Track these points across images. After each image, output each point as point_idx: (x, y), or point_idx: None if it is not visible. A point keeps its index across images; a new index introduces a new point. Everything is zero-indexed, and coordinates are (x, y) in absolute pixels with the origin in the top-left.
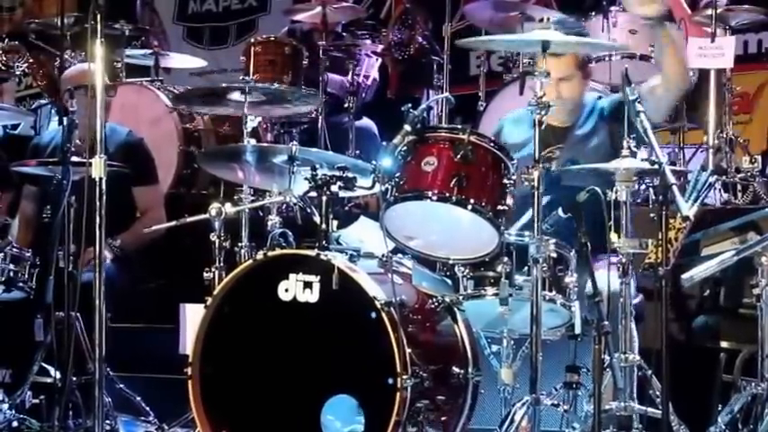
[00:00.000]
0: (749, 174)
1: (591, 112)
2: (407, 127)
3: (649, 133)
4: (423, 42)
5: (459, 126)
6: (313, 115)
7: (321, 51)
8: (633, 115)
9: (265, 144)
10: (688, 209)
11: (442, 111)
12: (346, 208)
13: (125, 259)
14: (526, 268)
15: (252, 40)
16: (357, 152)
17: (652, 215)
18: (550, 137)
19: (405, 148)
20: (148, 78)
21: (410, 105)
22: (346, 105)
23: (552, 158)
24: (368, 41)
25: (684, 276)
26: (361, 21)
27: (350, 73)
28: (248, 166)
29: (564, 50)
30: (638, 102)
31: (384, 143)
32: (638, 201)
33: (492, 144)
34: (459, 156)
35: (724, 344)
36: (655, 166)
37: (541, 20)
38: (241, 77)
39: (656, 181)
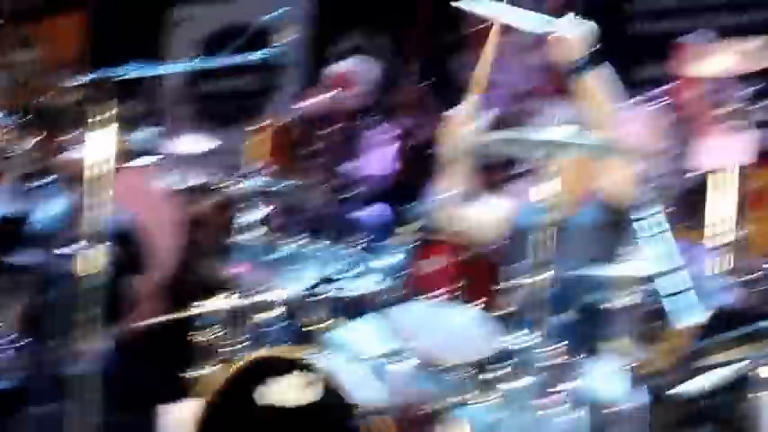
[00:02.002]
0: (762, 274)
1: (592, 206)
2: (414, 226)
3: (659, 236)
4: (435, 130)
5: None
6: (321, 202)
7: (331, 137)
8: (647, 216)
9: (266, 240)
10: (693, 319)
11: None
12: (350, 300)
13: (120, 351)
14: (527, 373)
15: (260, 124)
16: (364, 241)
17: (658, 322)
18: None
19: (410, 246)
20: (151, 160)
21: (416, 204)
22: (354, 193)
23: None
24: (379, 128)
25: (682, 389)
26: (373, 107)
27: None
28: (249, 260)
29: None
30: (654, 202)
31: (391, 237)
32: (643, 302)
33: (498, 247)
34: (464, 258)
35: None
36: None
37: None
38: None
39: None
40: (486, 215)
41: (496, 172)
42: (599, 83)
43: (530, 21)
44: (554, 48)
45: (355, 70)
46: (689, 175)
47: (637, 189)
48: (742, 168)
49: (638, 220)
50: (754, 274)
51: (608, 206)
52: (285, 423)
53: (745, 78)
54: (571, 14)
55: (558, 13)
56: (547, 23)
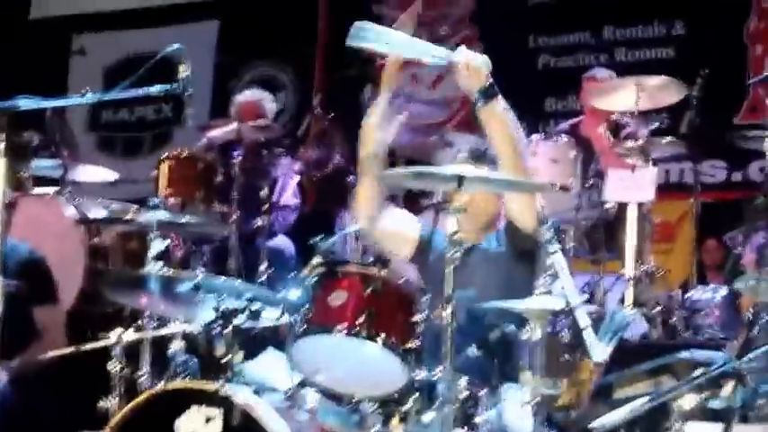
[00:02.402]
0: (668, 307)
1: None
2: (317, 259)
3: (564, 274)
4: (340, 162)
5: (371, 261)
6: (226, 233)
7: (237, 168)
8: (547, 254)
9: (170, 272)
10: (601, 353)
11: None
12: (253, 334)
13: (21, 382)
14: (435, 406)
15: (164, 155)
16: (269, 272)
17: (566, 356)
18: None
19: (314, 280)
20: (55, 190)
21: (320, 237)
22: (260, 224)
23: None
24: (285, 160)
25: (595, 424)
26: (278, 138)
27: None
28: (152, 293)
29: (482, 188)
30: (553, 240)
31: (296, 268)
32: (551, 336)
33: (404, 279)
34: (369, 290)
35: None
36: (567, 308)
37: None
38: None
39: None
40: (398, 227)
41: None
42: (502, 111)
43: (428, 52)
44: (457, 76)
45: (260, 101)
46: (599, 209)
47: (539, 221)
48: (645, 203)
49: (543, 252)
50: (661, 307)
51: (512, 236)
52: None
53: (646, 115)
54: (463, 46)
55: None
56: (445, 54)
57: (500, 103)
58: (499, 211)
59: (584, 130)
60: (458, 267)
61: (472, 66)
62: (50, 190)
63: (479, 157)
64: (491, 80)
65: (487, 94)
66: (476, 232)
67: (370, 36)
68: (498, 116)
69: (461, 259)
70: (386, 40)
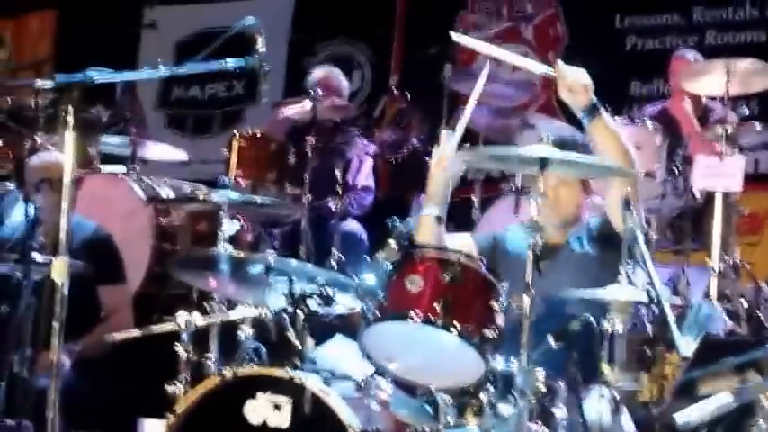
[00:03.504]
0: (755, 301)
1: (583, 231)
2: (393, 243)
3: (648, 262)
4: (417, 144)
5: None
6: (297, 215)
7: (311, 150)
8: (631, 242)
9: (240, 254)
10: (687, 347)
11: None
12: (324, 321)
13: (85, 364)
14: (512, 398)
15: (236, 134)
16: (341, 257)
17: (648, 351)
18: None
19: (389, 264)
20: (123, 169)
21: (396, 218)
22: (333, 208)
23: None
24: (360, 141)
25: (679, 419)
26: (353, 119)
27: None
28: (222, 274)
29: (564, 171)
30: (639, 228)
31: (369, 254)
32: (634, 329)
33: (482, 266)
34: (447, 277)
35: None
36: (652, 299)
37: (541, 139)
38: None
39: (653, 312)
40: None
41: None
42: (608, 126)
43: (531, 63)
44: (558, 90)
45: (336, 79)
46: (685, 197)
47: (630, 212)
48: (732, 193)
49: (628, 244)
50: (748, 301)
51: (601, 230)
52: None
53: (736, 100)
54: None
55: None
56: (545, 70)
57: (605, 119)
58: (582, 205)
59: (671, 115)
60: (542, 267)
61: (574, 87)
62: (118, 168)
63: (566, 145)
64: (593, 98)
65: (591, 112)
66: (559, 228)
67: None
68: (605, 132)
69: (546, 258)
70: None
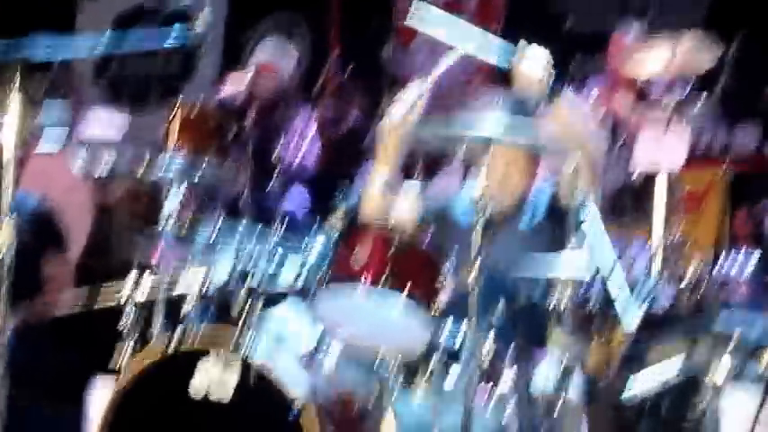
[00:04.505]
0: (696, 277)
1: (533, 204)
2: (340, 215)
3: (598, 238)
4: (357, 119)
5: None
6: (238, 188)
7: (251, 123)
8: (581, 216)
9: (186, 226)
10: (631, 321)
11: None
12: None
13: (26, 332)
14: (460, 364)
15: (175, 109)
16: (282, 228)
17: (595, 324)
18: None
19: (338, 234)
20: (62, 144)
21: (342, 191)
22: (273, 181)
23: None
24: (300, 116)
25: (626, 392)
26: (293, 94)
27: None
28: (166, 246)
29: (510, 144)
30: (584, 205)
31: (311, 226)
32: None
33: (429, 237)
34: (393, 248)
35: None
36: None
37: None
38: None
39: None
40: (406, 203)
41: (432, 162)
42: (566, 114)
43: (489, 50)
44: (520, 80)
45: (276, 55)
46: (627, 173)
47: (581, 186)
48: (674, 170)
49: (577, 218)
50: (689, 277)
51: (552, 203)
52: (216, 412)
53: (678, 77)
54: (525, 43)
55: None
56: (510, 53)
57: (563, 106)
58: (531, 179)
59: (613, 93)
60: (491, 239)
61: (532, 78)
62: (57, 142)
63: (519, 110)
64: (550, 85)
65: (553, 93)
66: (508, 201)
67: (431, 19)
68: (561, 118)
69: (494, 230)
70: (447, 28)
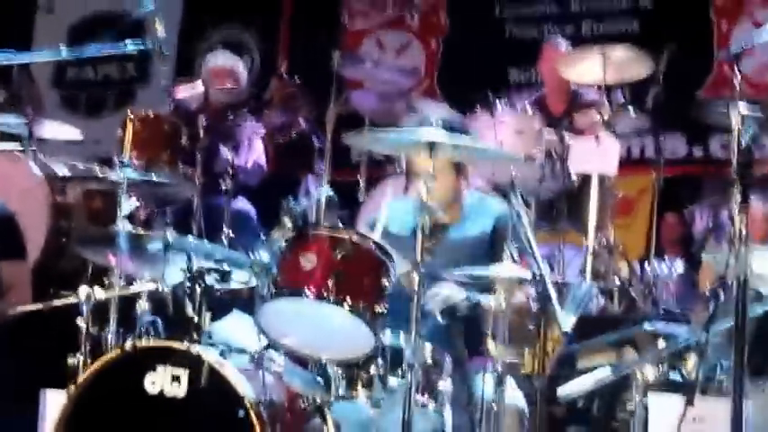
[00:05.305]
0: (627, 281)
1: (473, 215)
2: (288, 222)
3: (533, 243)
4: (304, 126)
5: (341, 225)
6: (189, 194)
7: (202, 131)
8: (517, 223)
9: (140, 231)
10: (567, 323)
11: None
12: (217, 294)
13: None
14: (400, 371)
15: (130, 115)
16: (231, 235)
17: (530, 327)
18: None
19: (284, 243)
20: (20, 148)
21: (291, 198)
22: (224, 187)
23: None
24: (250, 123)
25: (561, 392)
26: (243, 102)
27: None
28: (120, 250)
29: (452, 155)
30: (522, 210)
31: (261, 229)
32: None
33: (374, 244)
34: (339, 255)
35: None
36: (535, 277)
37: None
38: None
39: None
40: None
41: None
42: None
43: None
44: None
45: (233, 67)
46: (562, 180)
47: (512, 190)
48: (607, 176)
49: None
50: (620, 280)
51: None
52: (168, 412)
53: (611, 88)
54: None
55: None
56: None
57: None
58: (460, 189)
59: (547, 102)
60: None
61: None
62: (15, 146)
63: (450, 128)
64: None
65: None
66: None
67: None
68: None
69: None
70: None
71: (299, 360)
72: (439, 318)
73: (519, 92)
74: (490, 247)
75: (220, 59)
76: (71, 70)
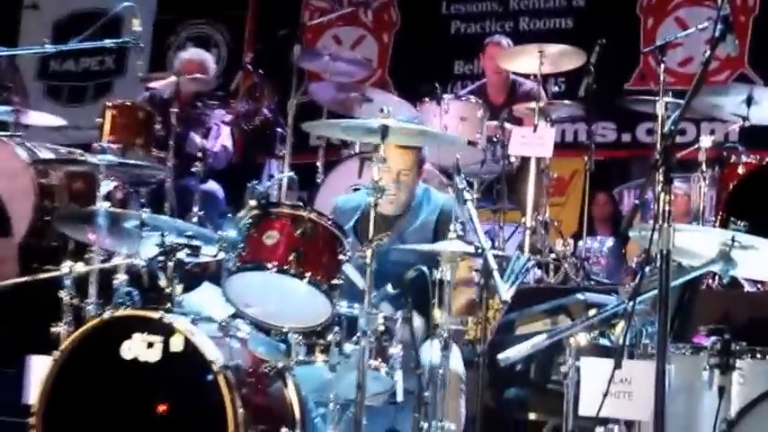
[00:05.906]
0: (561, 255)
1: (421, 206)
2: (252, 202)
3: (475, 221)
4: (268, 114)
5: (301, 204)
6: (162, 176)
7: (174, 118)
8: (461, 202)
9: (118, 210)
10: (506, 293)
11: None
12: (187, 268)
13: None
14: (355, 338)
15: (108, 103)
16: (201, 213)
17: (473, 297)
18: (380, 223)
19: (249, 221)
20: (7, 133)
21: (255, 182)
22: (194, 169)
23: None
24: (218, 111)
25: (501, 356)
26: (212, 92)
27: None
28: (100, 228)
29: (404, 140)
30: (466, 190)
31: (228, 209)
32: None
33: (330, 222)
34: (298, 232)
35: (532, 415)
36: (478, 251)
37: (381, 110)
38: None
39: (478, 264)
40: None
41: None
42: None
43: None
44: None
45: (204, 61)
46: (502, 163)
47: (456, 172)
48: (543, 159)
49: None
50: (555, 254)
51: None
52: (143, 376)
53: (547, 79)
54: None
55: None
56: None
57: None
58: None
59: (488, 92)
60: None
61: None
62: (2, 133)
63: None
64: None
65: None
66: (396, 204)
67: None
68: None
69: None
70: None
71: (263, 328)
72: (390, 289)
73: (464, 83)
74: (434, 235)
75: (193, 53)
76: (54, 63)
